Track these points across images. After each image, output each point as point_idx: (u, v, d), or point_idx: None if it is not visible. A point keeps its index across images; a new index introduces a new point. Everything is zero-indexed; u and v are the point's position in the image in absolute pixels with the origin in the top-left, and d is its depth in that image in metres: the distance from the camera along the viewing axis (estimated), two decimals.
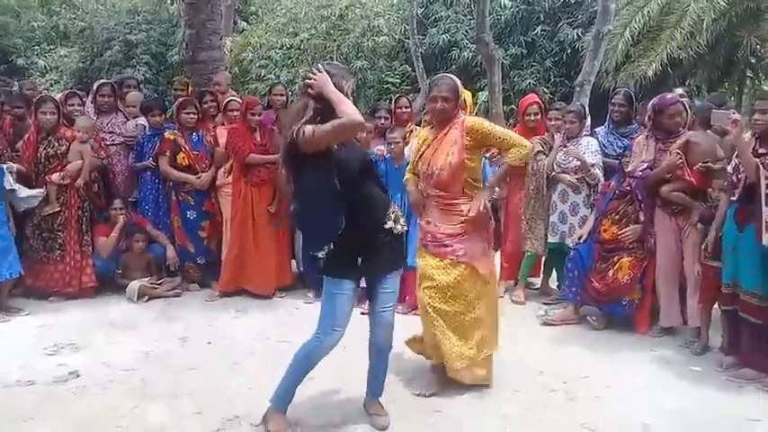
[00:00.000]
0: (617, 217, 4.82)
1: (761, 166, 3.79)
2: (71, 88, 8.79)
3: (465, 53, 12.36)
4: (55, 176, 5.34)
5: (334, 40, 13.88)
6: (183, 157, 5.65)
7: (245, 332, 4.77)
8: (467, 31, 12.44)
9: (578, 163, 5.23)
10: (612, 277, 4.76)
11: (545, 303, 5.49)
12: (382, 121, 5.72)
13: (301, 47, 13.90)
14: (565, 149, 5.31)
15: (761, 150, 3.88)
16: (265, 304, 5.45)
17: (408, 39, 12.45)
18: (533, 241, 5.49)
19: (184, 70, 8.24)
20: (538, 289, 5.88)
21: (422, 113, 7.53)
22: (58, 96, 6.18)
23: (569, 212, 5.35)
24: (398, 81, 13.09)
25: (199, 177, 5.67)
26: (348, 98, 2.95)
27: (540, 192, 5.43)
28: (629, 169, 4.83)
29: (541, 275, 5.88)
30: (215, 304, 5.45)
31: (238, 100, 5.90)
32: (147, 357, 4.26)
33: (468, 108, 5.45)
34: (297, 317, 5.09)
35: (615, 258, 4.79)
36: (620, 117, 5.51)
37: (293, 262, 5.93)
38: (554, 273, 5.78)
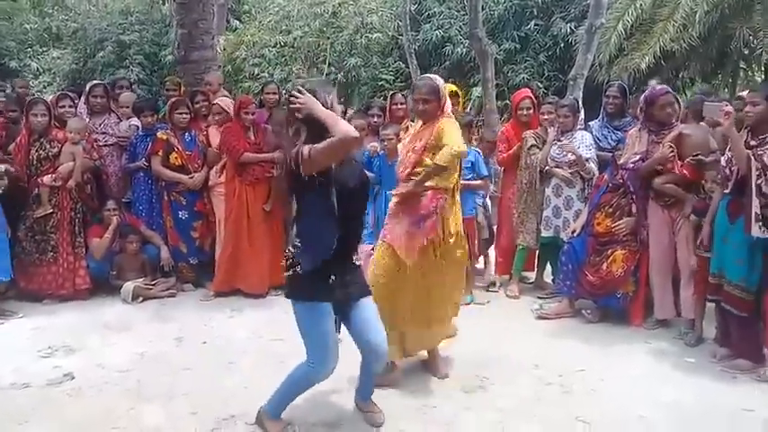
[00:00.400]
0: (610, 210, 4.83)
1: (752, 158, 3.80)
2: (63, 90, 8.76)
3: (458, 49, 12.33)
4: (47, 178, 5.33)
5: (328, 38, 13.85)
6: (176, 157, 5.64)
7: (241, 331, 4.77)
8: (460, 27, 12.41)
9: (573, 157, 5.23)
10: (606, 270, 4.77)
11: (540, 297, 5.51)
12: (375, 118, 5.72)
13: (295, 45, 13.87)
14: (560, 144, 5.31)
15: (752, 142, 3.89)
16: (260, 303, 5.44)
17: (402, 35, 12.41)
18: (525, 235, 5.50)
19: (177, 70, 8.22)
20: (532, 283, 5.89)
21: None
22: (49, 98, 6.16)
23: (563, 206, 5.35)
24: (392, 78, 13.05)
25: (191, 178, 5.66)
26: (335, 110, 2.94)
27: (533, 186, 5.43)
28: (621, 161, 4.83)
29: (536, 269, 5.88)
30: (210, 304, 5.45)
31: (225, 103, 5.80)
32: (142, 358, 4.26)
33: (461, 105, 5.47)
34: (292, 315, 5.01)
35: (609, 251, 4.80)
36: (614, 110, 5.51)
37: None
38: (548, 267, 5.79)
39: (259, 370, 3.87)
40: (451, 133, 3.58)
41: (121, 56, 14.40)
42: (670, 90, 4.78)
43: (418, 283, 3.68)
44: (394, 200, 3.73)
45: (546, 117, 5.51)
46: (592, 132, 5.52)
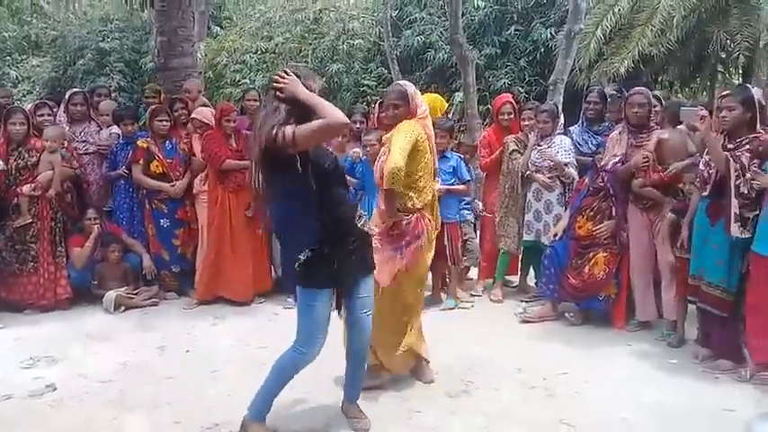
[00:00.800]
0: (591, 213, 4.87)
1: (731, 159, 3.85)
2: (42, 98, 8.69)
3: (440, 54, 12.39)
4: (26, 188, 5.27)
5: (310, 44, 13.86)
6: (157, 165, 5.61)
7: (224, 339, 4.74)
8: (441, 33, 12.47)
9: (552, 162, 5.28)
10: (588, 273, 4.80)
11: (523, 301, 5.53)
12: (358, 124, 5.73)
13: (276, 51, 13.87)
14: (539, 150, 5.35)
15: (729, 145, 3.94)
16: (244, 311, 5.42)
17: (383, 41, 12.45)
18: (507, 239, 5.54)
19: (157, 77, 8.18)
20: (516, 287, 5.92)
21: None
22: (27, 107, 6.10)
23: (544, 210, 5.39)
24: (374, 83, 13.07)
25: (173, 185, 5.63)
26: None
27: (515, 190, 5.47)
28: (602, 163, 4.87)
29: (519, 273, 5.91)
30: (193, 312, 5.41)
31: (205, 116, 5.74)
32: (124, 368, 4.22)
33: (440, 110, 5.50)
34: (276, 322, 5.07)
35: (591, 254, 4.83)
36: (594, 115, 5.57)
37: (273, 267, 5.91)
38: (531, 270, 5.81)
39: (243, 378, 3.83)
40: (397, 143, 3.46)
41: (102, 63, 14.33)
42: (644, 92, 4.84)
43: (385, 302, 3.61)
44: (375, 231, 3.54)
45: (526, 122, 5.56)
46: (572, 137, 5.57)
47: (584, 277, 4.81)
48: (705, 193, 4.07)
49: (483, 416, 3.51)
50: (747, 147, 3.87)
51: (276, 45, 13.89)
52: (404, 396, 3.75)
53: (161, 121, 5.68)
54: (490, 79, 12.17)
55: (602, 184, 4.83)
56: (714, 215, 4.01)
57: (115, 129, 6.01)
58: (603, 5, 11.35)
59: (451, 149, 5.49)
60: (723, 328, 4.03)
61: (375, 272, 3.35)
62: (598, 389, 3.83)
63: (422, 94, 3.93)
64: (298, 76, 2.89)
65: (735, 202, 3.84)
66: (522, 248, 5.60)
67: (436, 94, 5.88)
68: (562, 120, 5.70)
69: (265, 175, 2.90)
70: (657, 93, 5.44)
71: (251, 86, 10.84)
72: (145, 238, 5.74)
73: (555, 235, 5.07)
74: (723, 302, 3.97)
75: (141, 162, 5.60)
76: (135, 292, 5.56)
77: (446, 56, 12.15)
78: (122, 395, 3.80)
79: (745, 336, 3.99)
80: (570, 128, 5.77)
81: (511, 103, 5.88)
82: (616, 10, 11.09)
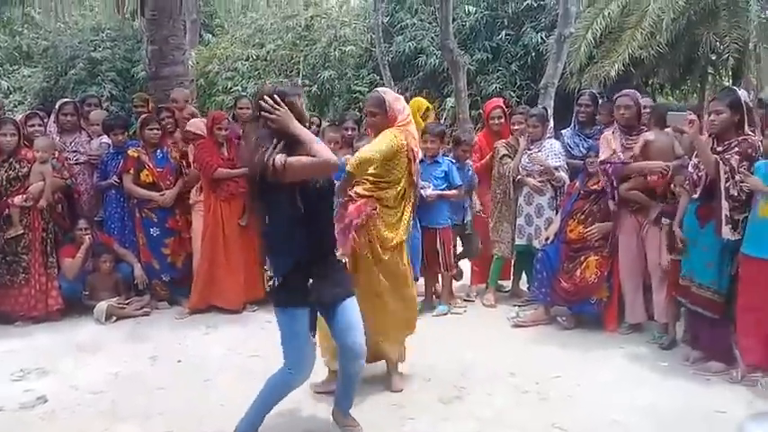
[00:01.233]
0: (582, 217, 4.89)
1: (720, 162, 3.87)
2: (33, 108, 8.67)
3: (431, 60, 12.45)
4: (17, 199, 5.25)
5: (301, 51, 13.91)
6: (147, 175, 5.60)
7: (217, 348, 4.72)
8: (432, 38, 12.53)
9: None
10: (580, 277, 4.81)
11: (516, 305, 5.53)
12: (349, 131, 5.74)
13: (268, 58, 13.91)
14: (529, 155, 5.37)
15: (718, 148, 3.96)
16: (236, 319, 5.40)
17: (375, 47, 12.49)
18: (500, 244, 5.54)
19: (149, 86, 8.18)
20: (508, 291, 5.92)
21: None
22: (18, 118, 6.08)
23: (535, 214, 5.39)
24: (366, 89, 13.10)
25: (162, 194, 5.62)
26: (304, 114, 3.00)
27: (507, 195, 5.47)
28: (602, 158, 4.79)
29: (511, 278, 5.91)
30: (185, 322, 5.39)
31: (198, 127, 5.72)
32: (116, 379, 4.20)
33: (417, 112, 5.52)
34: (268, 330, 4.98)
35: (582, 258, 4.84)
36: (586, 118, 5.59)
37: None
38: (524, 275, 5.82)
39: (236, 387, 3.82)
40: (379, 143, 3.56)
41: (93, 73, 14.33)
42: (630, 94, 4.87)
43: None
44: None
45: (516, 127, 5.57)
46: (564, 140, 5.59)
47: (575, 281, 4.82)
48: (695, 196, 4.09)
49: (476, 421, 3.51)
50: (736, 149, 3.88)
51: (268, 52, 13.93)
52: (397, 403, 3.74)
53: (151, 129, 5.67)
54: (482, 84, 12.23)
55: (595, 188, 4.84)
56: (703, 218, 4.03)
57: (105, 138, 5.99)
58: (593, 9, 11.43)
59: (449, 149, 5.50)
60: (713, 330, 4.04)
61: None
62: (591, 392, 3.83)
63: (414, 98, 3.97)
64: (285, 95, 2.93)
65: (725, 205, 3.85)
66: (514, 253, 5.60)
67: (419, 98, 5.91)
68: (552, 124, 5.72)
69: (258, 195, 2.97)
70: (647, 100, 5.43)
71: (243, 94, 10.85)
72: (136, 248, 5.72)
73: (546, 239, 5.08)
74: (714, 304, 3.98)
75: (132, 172, 5.59)
76: (126, 302, 5.54)
77: (437, 61, 12.21)
78: (114, 406, 3.78)
79: (735, 337, 4.00)
80: (562, 131, 5.80)
81: (501, 107, 5.90)
82: (606, 13, 11.16)
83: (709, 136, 4.05)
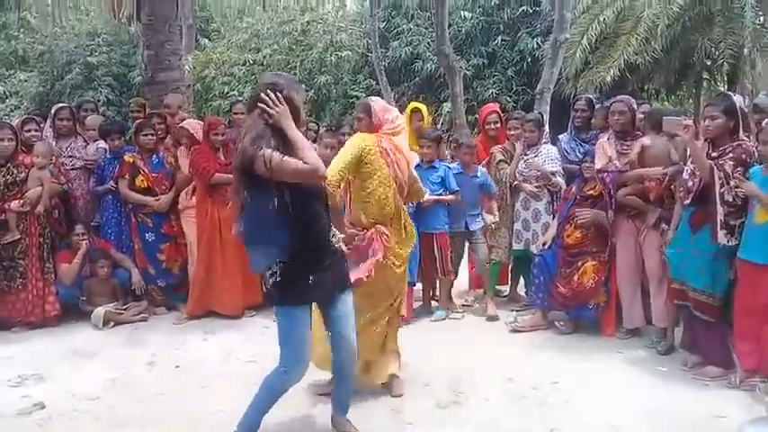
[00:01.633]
0: (579, 222, 4.89)
1: (715, 168, 3.88)
2: (30, 113, 8.66)
3: (428, 65, 12.49)
4: (14, 204, 5.24)
5: (297, 56, 13.93)
6: (142, 180, 5.60)
7: (215, 354, 4.72)
8: (429, 44, 12.57)
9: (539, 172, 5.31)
10: (578, 282, 4.81)
11: (514, 310, 5.53)
12: (346, 136, 5.72)
13: (264, 63, 13.93)
14: (525, 160, 5.38)
15: (713, 154, 3.98)
16: (234, 324, 5.39)
17: (371, 52, 12.51)
18: (497, 250, 5.54)
19: (145, 91, 8.18)
20: (506, 296, 5.92)
21: None
22: (14, 122, 6.07)
23: (532, 219, 5.41)
24: (363, 95, 13.13)
25: (157, 200, 5.62)
26: (300, 110, 2.99)
27: (504, 201, 5.49)
28: (598, 166, 4.80)
29: (509, 283, 5.92)
30: (183, 327, 5.38)
31: (193, 126, 5.75)
32: (113, 384, 4.19)
33: (425, 120, 5.54)
34: (267, 335, 5.02)
35: (579, 263, 4.85)
36: (582, 123, 5.60)
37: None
38: (522, 280, 5.82)
39: (233, 393, 3.81)
40: (342, 151, 3.59)
41: (90, 77, 14.33)
42: (624, 99, 4.89)
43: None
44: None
45: (512, 132, 5.59)
46: (560, 145, 5.60)
47: (573, 286, 4.82)
48: (687, 203, 4.10)
49: (474, 426, 3.51)
50: (731, 155, 3.90)
51: (264, 57, 13.95)
52: (395, 408, 3.74)
53: (146, 134, 5.67)
54: (478, 89, 12.27)
55: (591, 193, 4.85)
56: (697, 224, 4.04)
57: (102, 143, 5.99)
58: (589, 15, 11.48)
59: (452, 156, 5.51)
60: (710, 334, 4.05)
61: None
62: (588, 397, 3.83)
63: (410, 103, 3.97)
64: (281, 86, 2.93)
65: (720, 210, 3.87)
66: (512, 258, 5.61)
67: (416, 103, 5.92)
68: (548, 129, 5.73)
69: (243, 184, 2.94)
70: (646, 107, 5.46)
71: (239, 99, 10.86)
72: (132, 253, 5.71)
73: (544, 244, 5.09)
74: (710, 307, 3.99)
75: (127, 177, 5.59)
76: (124, 307, 5.53)
77: (434, 66, 12.24)
78: (111, 412, 3.77)
79: (733, 341, 4.01)
80: (559, 136, 5.81)
81: (497, 112, 5.93)
82: (601, 19, 11.23)
83: (705, 141, 4.07)
